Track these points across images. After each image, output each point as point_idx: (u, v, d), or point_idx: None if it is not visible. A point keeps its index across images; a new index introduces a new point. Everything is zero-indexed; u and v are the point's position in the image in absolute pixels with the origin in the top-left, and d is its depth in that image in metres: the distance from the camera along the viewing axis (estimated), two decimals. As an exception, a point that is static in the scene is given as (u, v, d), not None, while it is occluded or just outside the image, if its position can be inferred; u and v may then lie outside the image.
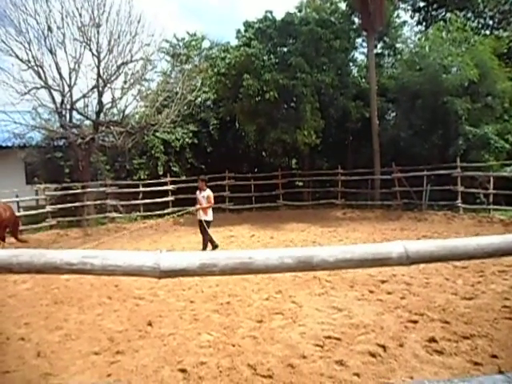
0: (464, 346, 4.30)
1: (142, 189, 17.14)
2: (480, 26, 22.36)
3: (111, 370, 4.19)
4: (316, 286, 6.83)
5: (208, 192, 10.26)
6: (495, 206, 14.09)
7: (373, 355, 4.20)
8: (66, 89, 15.27)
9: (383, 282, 6.87)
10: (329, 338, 4.67)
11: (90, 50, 15.13)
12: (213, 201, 10.39)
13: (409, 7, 23.84)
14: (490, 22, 22.66)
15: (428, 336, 4.56)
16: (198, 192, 10.49)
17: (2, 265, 1.72)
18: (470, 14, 22.20)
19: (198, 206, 10.41)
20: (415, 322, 5.03)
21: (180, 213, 12.85)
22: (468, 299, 5.79)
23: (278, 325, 5.19)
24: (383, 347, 4.36)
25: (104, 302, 6.47)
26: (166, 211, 17.02)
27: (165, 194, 17.51)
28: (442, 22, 18.10)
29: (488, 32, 21.51)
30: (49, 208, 14.92)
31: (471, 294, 5.97)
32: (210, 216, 10.31)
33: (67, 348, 4.77)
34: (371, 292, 6.35)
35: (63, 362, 4.39)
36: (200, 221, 10.28)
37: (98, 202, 16.27)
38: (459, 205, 14.76)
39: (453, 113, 15.23)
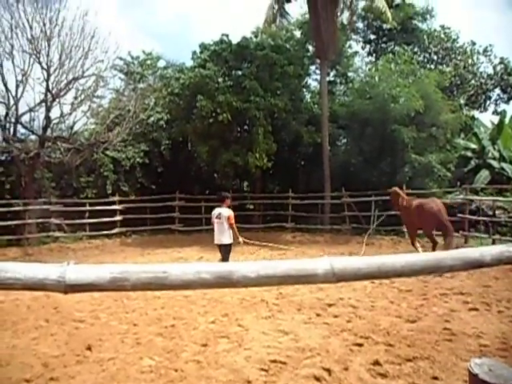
0: (407, 369, 4.33)
1: (88, 208, 16.55)
2: (425, 60, 23.67)
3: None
4: (263, 309, 6.76)
5: (229, 211, 8.82)
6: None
7: (318, 379, 4.15)
8: (12, 101, 14.72)
9: (330, 305, 6.89)
10: (274, 361, 4.59)
11: (40, 63, 14.66)
12: (233, 221, 8.77)
13: (360, 39, 24.88)
14: (435, 57, 23.99)
15: (372, 359, 4.57)
16: (216, 211, 8.92)
17: None
18: (416, 49, 23.45)
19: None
20: (360, 345, 5.04)
21: None
22: (411, 322, 5.88)
23: (223, 348, 5.06)
24: (328, 371, 4.32)
25: (41, 325, 6.11)
26: (113, 231, 16.57)
27: (113, 213, 17.02)
28: (390, 55, 18.96)
29: (433, 66, 22.81)
30: (-14, 225, 14.13)
31: (414, 317, 6.07)
32: (230, 238, 8.79)
33: (-5, 375, 4.44)
34: (318, 315, 6.34)
35: (-11, 391, 4.08)
36: (219, 246, 8.84)
37: (41, 220, 15.54)
38: (404, 230, 15.16)
39: (400, 141, 15.80)
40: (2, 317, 6.57)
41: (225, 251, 8.77)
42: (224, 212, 8.75)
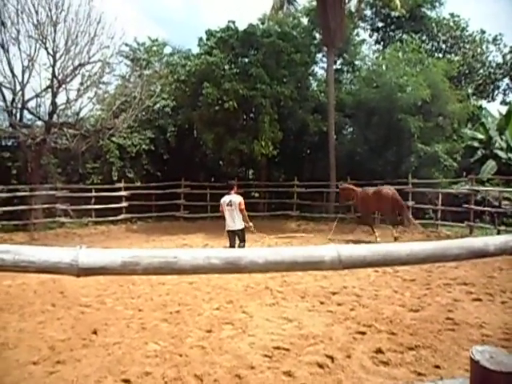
0: (409, 357, 4.37)
1: (94, 194, 16.63)
2: (434, 48, 23.41)
3: (50, 380, 3.99)
4: (267, 296, 6.80)
5: (240, 198, 9.29)
6: (442, 222, 14.59)
7: (321, 366, 4.20)
8: (18, 87, 14.71)
9: (334, 293, 6.92)
10: (278, 348, 4.64)
11: (46, 48, 14.63)
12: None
13: (368, 26, 24.64)
14: (443, 46, 23.72)
15: (375, 347, 4.61)
16: (226, 198, 9.31)
17: None
18: (424, 37, 23.18)
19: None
20: (363, 333, 5.08)
21: None
22: (414, 311, 5.91)
23: (227, 335, 5.11)
24: (331, 358, 4.36)
25: (47, 310, 6.19)
26: (118, 217, 16.65)
27: (118, 199, 17.10)
28: (398, 43, 18.80)
29: (441, 55, 22.57)
30: (-7, 210, 14.25)
31: (418, 306, 6.10)
32: (242, 224, 9.28)
33: (3, 357, 4.51)
34: (322, 303, 6.38)
35: (-2, 372, 4.15)
36: (232, 232, 9.23)
37: (47, 205, 15.65)
38: (410, 219, 15.20)
39: (406, 130, 15.74)
40: (9, 301, 6.65)
41: (240, 236, 9.28)
42: (234, 199, 9.20)
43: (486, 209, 14.21)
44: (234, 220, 9.15)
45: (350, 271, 8.41)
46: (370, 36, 24.89)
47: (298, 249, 1.77)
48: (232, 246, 9.35)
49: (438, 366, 4.16)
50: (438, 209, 14.80)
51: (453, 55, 23.21)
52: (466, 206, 13.91)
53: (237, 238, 9.33)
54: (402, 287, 7.30)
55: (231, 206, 9.11)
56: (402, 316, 5.67)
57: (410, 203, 15.20)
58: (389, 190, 12.52)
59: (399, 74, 16.27)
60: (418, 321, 5.47)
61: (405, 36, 21.17)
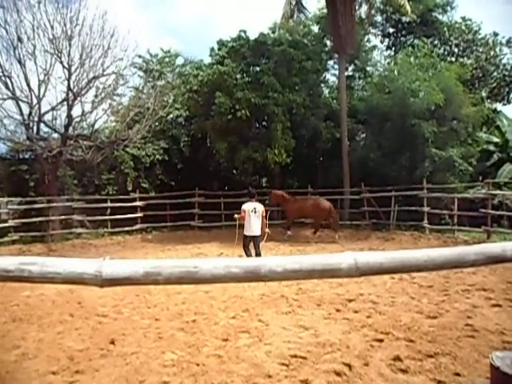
0: (428, 365, 4.32)
1: (110, 204, 16.81)
2: (446, 52, 23.24)
3: (69, 390, 4.03)
4: (283, 304, 6.79)
5: (262, 206, 9.89)
6: (459, 227, 14.41)
7: (338, 374, 4.17)
8: (35, 101, 14.98)
9: (350, 300, 6.88)
10: (295, 356, 4.62)
11: (61, 62, 14.92)
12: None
13: (379, 32, 24.58)
14: (455, 50, 23.55)
15: (393, 355, 4.56)
16: (250, 205, 9.72)
17: None
18: (436, 42, 23.06)
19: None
20: (381, 340, 5.04)
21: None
22: (432, 318, 5.84)
23: (243, 343, 5.11)
24: (349, 366, 4.33)
25: (65, 320, 6.25)
26: (134, 228, 16.77)
27: (133, 210, 17.24)
28: (410, 48, 18.71)
29: (453, 59, 22.38)
30: (11, 222, 14.47)
31: (435, 313, 6.03)
32: (245, 230, 9.81)
33: (23, 368, 4.56)
34: (338, 311, 6.35)
35: (17, 383, 4.20)
36: (252, 237, 9.76)
37: (64, 217, 15.86)
38: (425, 225, 15.05)
39: (420, 135, 15.62)
40: (28, 311, 6.73)
41: (257, 242, 9.83)
42: (258, 207, 9.78)
43: (503, 213, 14.03)
44: (256, 226, 9.64)
45: (366, 278, 8.35)
46: (381, 42, 24.83)
47: (316, 257, 1.78)
48: (247, 248, 9.81)
49: (458, 374, 4.10)
50: (455, 214, 14.63)
51: (466, 59, 23.03)
52: (483, 210, 13.72)
53: (253, 243, 9.78)
54: (419, 294, 7.22)
55: (255, 212, 9.62)
56: (419, 323, 5.61)
57: (426, 209, 15.08)
58: (326, 201, 15.19)
59: (411, 79, 16.19)
60: (437, 327, 5.40)
61: (416, 41, 21.06)
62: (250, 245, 9.85)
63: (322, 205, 14.99)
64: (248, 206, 9.69)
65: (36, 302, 7.32)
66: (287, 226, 15.29)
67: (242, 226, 9.94)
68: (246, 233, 9.74)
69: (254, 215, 9.60)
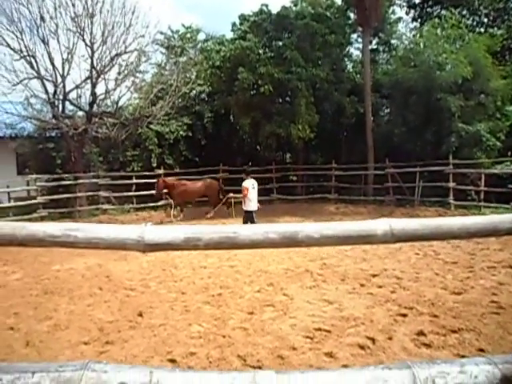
0: (452, 340, 4.34)
1: (135, 181, 17.06)
2: (475, 23, 22.44)
3: (100, 359, 4.17)
4: (307, 279, 6.85)
5: (243, 183, 10.61)
6: (486, 203, 14.17)
7: (362, 347, 4.23)
8: (59, 79, 15.18)
9: (374, 275, 6.91)
10: (319, 330, 4.69)
11: (84, 40, 15.03)
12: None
13: (404, 4, 23.86)
14: (485, 20, 22.71)
15: (417, 329, 4.59)
16: (250, 182, 10.63)
17: (-16, 237, 1.71)
18: (465, 12, 22.25)
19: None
20: (404, 315, 5.07)
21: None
22: (457, 294, 5.83)
23: (268, 317, 5.20)
24: (372, 340, 4.38)
25: (95, 293, 6.44)
26: (159, 203, 16.99)
27: (158, 186, 17.43)
28: (436, 19, 18.14)
29: (482, 30, 21.59)
30: (40, 199, 14.84)
31: (460, 289, 6.01)
32: (246, 206, 10.52)
33: (56, 338, 4.75)
34: (362, 285, 6.38)
35: (52, 352, 4.38)
36: (253, 212, 10.48)
37: (91, 193, 16.21)
38: (451, 201, 14.85)
39: (446, 110, 15.28)
40: (58, 285, 6.95)
41: (255, 215, 10.44)
42: (255, 183, 10.64)
43: (533, 188, 13.72)
44: (255, 201, 10.47)
45: (390, 253, 8.36)
46: (407, 13, 24.11)
47: (351, 223, 1.81)
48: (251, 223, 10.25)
49: (482, 350, 4.11)
50: (481, 190, 14.37)
51: (496, 29, 22.16)
52: (511, 186, 13.44)
53: (251, 217, 10.39)
54: (444, 270, 7.19)
55: (254, 188, 10.47)
56: (444, 299, 5.61)
57: (451, 185, 14.85)
58: (215, 181, 16.18)
59: (438, 52, 15.76)
60: (461, 304, 5.39)
61: (443, 12, 20.38)
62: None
63: (213, 184, 15.85)
64: (248, 183, 10.46)
65: (66, 275, 7.54)
66: (181, 207, 15.68)
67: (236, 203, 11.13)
68: (249, 208, 10.39)
69: (253, 191, 10.42)
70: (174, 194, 15.40)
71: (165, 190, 15.38)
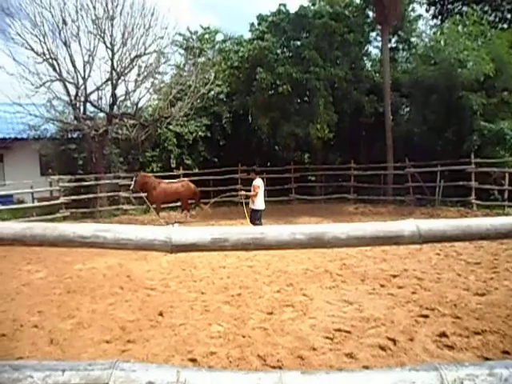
0: (475, 342, 4.26)
1: (154, 181, 17.18)
2: (497, 19, 22.08)
3: (122, 358, 4.20)
4: (327, 279, 6.82)
5: (254, 182, 10.56)
6: (510, 203, 13.91)
7: (383, 348, 4.19)
8: (81, 81, 15.42)
9: (394, 276, 6.83)
10: (339, 330, 4.66)
11: (104, 42, 15.25)
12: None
13: (424, 1, 23.58)
14: (508, 16, 22.32)
15: (439, 331, 4.53)
16: (260, 181, 10.72)
17: (15, 237, 1.75)
18: (486, 8, 21.92)
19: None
20: (426, 316, 5.00)
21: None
22: (480, 295, 5.73)
23: (288, 317, 5.19)
24: (393, 341, 4.34)
25: (116, 292, 6.51)
26: (178, 204, 17.09)
27: (177, 186, 17.56)
28: (457, 16, 17.91)
29: (505, 26, 21.20)
30: (62, 199, 15.11)
31: (483, 290, 5.90)
32: (255, 205, 10.48)
33: (79, 336, 4.82)
34: (382, 286, 6.32)
35: (75, 350, 4.44)
36: (262, 211, 10.63)
37: (111, 193, 16.42)
38: (473, 201, 14.63)
39: (468, 108, 15.06)
40: (81, 284, 7.05)
41: (261, 214, 10.55)
42: (263, 183, 10.80)
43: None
44: (263, 200, 10.61)
45: (411, 254, 8.27)
46: (427, 10, 23.85)
47: (378, 224, 1.80)
48: (259, 222, 10.39)
49: (507, 352, 4.03)
50: (505, 189, 14.12)
51: (519, 25, 21.81)
52: (536, 185, 13.18)
53: (259, 216, 10.48)
54: (466, 271, 7.07)
55: (261, 188, 10.62)
56: (466, 300, 5.52)
57: (473, 184, 14.62)
58: (192, 184, 15.31)
59: (459, 49, 15.54)
60: (484, 305, 5.30)
61: (465, 8, 20.12)
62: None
63: (191, 185, 15.20)
64: (260, 182, 10.56)
65: (88, 275, 7.64)
66: (157, 210, 14.85)
67: (247, 203, 10.90)
68: (258, 207, 10.45)
69: (261, 191, 10.54)
70: (152, 194, 14.56)
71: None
